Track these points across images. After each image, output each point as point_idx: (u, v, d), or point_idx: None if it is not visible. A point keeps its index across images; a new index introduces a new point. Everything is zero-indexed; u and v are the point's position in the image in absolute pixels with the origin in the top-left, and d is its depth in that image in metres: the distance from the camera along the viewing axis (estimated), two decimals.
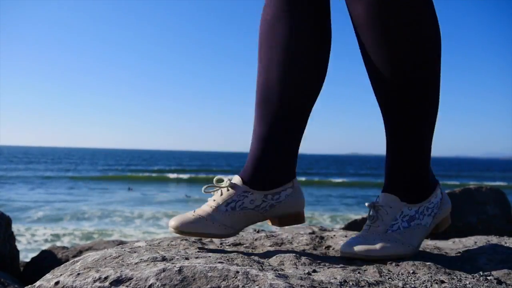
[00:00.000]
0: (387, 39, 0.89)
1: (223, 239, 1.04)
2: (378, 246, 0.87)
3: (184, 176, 22.38)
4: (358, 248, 0.87)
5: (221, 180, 0.96)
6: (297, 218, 1.01)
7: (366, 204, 0.95)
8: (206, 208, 0.93)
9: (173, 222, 0.91)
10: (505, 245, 1.05)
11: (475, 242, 1.11)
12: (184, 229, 0.90)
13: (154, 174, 24.99)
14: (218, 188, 0.95)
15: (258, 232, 1.19)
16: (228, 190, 0.93)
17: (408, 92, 0.91)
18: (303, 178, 22.73)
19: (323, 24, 1.00)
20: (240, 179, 0.95)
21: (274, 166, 0.97)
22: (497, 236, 1.19)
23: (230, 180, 0.96)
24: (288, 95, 0.97)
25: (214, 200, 0.94)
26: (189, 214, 0.92)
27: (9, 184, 17.18)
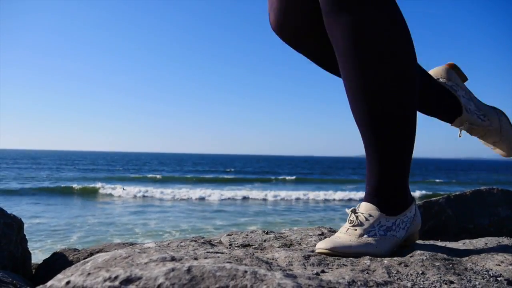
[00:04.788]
0: (361, 68, 0.91)
1: (233, 240, 1.06)
2: (353, 244, 0.92)
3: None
4: (335, 245, 0.91)
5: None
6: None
7: (347, 210, 1.00)
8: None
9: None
10: None
11: (486, 244, 1.10)
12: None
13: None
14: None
15: (267, 233, 1.19)
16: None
17: (383, 125, 0.93)
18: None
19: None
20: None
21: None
22: (508, 238, 1.18)
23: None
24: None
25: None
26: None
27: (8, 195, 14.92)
